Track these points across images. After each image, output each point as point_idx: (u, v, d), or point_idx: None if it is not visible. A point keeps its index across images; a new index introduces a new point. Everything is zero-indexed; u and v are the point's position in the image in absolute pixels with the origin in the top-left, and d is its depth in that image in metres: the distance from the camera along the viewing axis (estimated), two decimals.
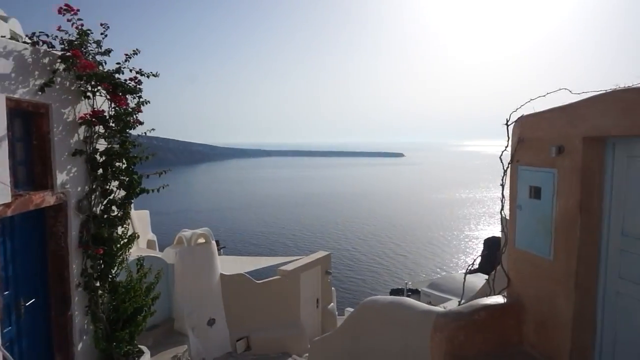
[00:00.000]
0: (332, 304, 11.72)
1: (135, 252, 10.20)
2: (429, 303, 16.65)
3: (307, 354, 10.07)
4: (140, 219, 14.75)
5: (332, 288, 12.02)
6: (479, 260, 55.71)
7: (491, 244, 55.30)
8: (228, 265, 10.61)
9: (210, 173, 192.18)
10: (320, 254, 11.51)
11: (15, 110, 4.11)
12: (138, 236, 5.65)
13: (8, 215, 3.87)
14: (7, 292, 4.17)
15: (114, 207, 5.39)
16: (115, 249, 5.28)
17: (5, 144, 3.79)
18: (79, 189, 4.99)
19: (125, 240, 5.48)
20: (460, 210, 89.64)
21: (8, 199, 3.82)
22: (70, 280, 4.88)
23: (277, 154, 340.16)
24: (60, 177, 4.65)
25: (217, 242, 14.20)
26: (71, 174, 4.83)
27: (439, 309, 4.19)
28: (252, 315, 9.43)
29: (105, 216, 5.30)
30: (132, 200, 5.62)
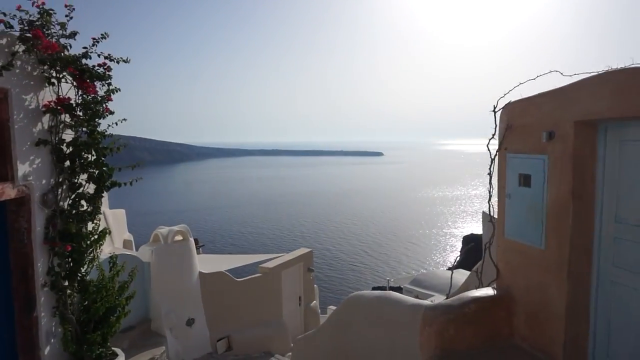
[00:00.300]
0: (314, 301, 11.51)
1: (110, 251, 9.83)
2: None
3: (290, 353, 9.84)
4: (116, 218, 14.26)
5: (315, 285, 11.82)
6: (458, 257, 56.56)
7: (470, 241, 56.17)
8: (207, 263, 10.31)
9: (189, 173, 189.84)
10: (302, 250, 11.29)
11: None
12: (109, 232, 5.34)
13: None
14: None
15: (82, 202, 5.07)
16: (84, 246, 4.96)
17: None
18: (44, 181, 4.66)
19: (96, 236, 5.16)
20: (440, 208, 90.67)
21: None
22: (35, 279, 4.55)
23: (258, 153, 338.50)
24: (22, 169, 4.32)
25: (195, 240, 13.84)
26: (34, 166, 4.50)
27: (427, 302, 4.02)
28: (232, 315, 9.15)
29: (74, 211, 4.98)
30: (103, 195, 5.30)
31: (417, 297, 17.64)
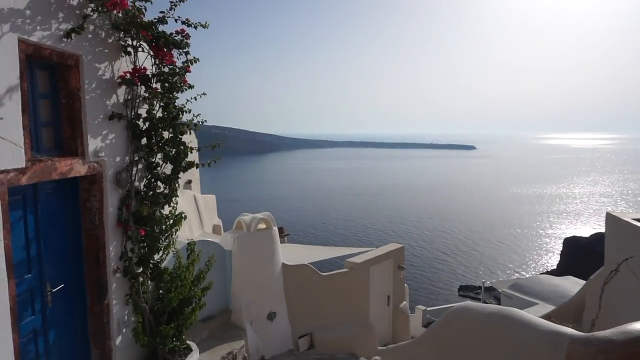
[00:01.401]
0: (404, 302, 10.58)
1: (199, 236, 9.71)
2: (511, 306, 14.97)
3: (375, 357, 9.06)
4: (206, 203, 14.44)
5: (405, 285, 10.87)
6: (557, 261, 51.47)
7: (571, 244, 50.84)
8: (291, 254, 9.81)
9: (277, 163, 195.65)
10: (393, 246, 10.38)
11: (37, 59, 3.42)
12: (185, 217, 4.89)
13: (23, 183, 3.19)
14: (28, 276, 3.53)
15: (159, 183, 4.66)
16: (158, 231, 4.54)
17: (18, 96, 3.08)
18: (118, 159, 4.29)
19: (171, 221, 4.74)
20: (537, 207, 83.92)
21: (22, 164, 3.13)
22: (107, 264, 4.21)
23: (345, 145, 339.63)
24: (94, 144, 3.95)
25: (281, 228, 13.49)
26: (107, 141, 4.12)
27: (570, 331, 2.99)
28: (316, 311, 8.55)
29: (151, 193, 4.59)
30: (180, 176, 4.86)
31: (512, 306, 15.90)
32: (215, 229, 13.52)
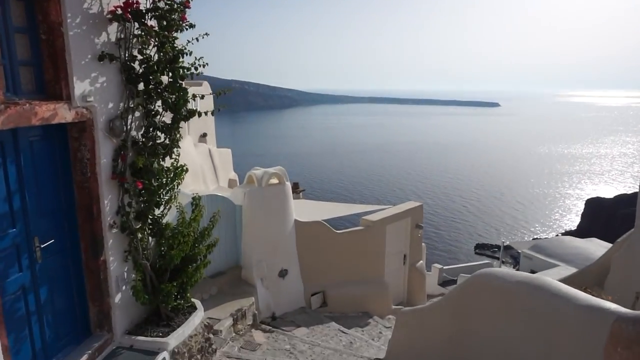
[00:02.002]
0: (421, 261, 10.30)
1: (214, 191, 9.44)
2: (531, 268, 14.57)
3: (389, 316, 8.89)
4: (222, 157, 14.17)
5: (423, 244, 10.56)
6: (577, 222, 50.32)
7: (594, 206, 49.51)
8: (305, 210, 9.53)
9: (297, 118, 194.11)
10: (411, 204, 10.00)
11: None
12: (187, 169, 4.54)
13: None
14: (12, 230, 3.26)
15: (158, 133, 4.29)
16: (157, 184, 4.22)
17: None
18: (111, 105, 3.90)
19: (172, 174, 4.40)
20: (559, 167, 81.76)
21: None
22: (102, 218, 3.92)
23: (366, 101, 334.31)
24: (81, 87, 3.56)
25: (296, 184, 13.20)
26: (97, 85, 3.73)
27: (616, 307, 2.58)
28: (329, 269, 8.33)
29: (150, 143, 4.22)
30: (181, 126, 4.48)
31: (532, 266, 15.52)
32: (231, 183, 13.28)
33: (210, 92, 16.37)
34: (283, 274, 7.63)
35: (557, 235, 38.78)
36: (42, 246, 3.52)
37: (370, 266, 8.90)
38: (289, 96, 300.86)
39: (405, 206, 9.85)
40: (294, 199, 12.63)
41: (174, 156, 4.48)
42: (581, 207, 54.39)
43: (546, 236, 42.39)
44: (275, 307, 7.42)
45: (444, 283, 16.72)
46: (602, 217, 47.15)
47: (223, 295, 6.76)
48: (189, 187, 7.40)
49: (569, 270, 14.26)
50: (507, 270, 4.16)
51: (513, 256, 40.55)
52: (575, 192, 65.43)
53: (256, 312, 6.77)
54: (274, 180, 7.64)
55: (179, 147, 4.57)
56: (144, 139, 4.22)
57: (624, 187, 64.27)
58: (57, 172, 3.71)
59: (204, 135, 14.96)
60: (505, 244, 24.40)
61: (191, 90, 13.60)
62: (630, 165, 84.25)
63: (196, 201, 4.90)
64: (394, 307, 9.18)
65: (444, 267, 17.25)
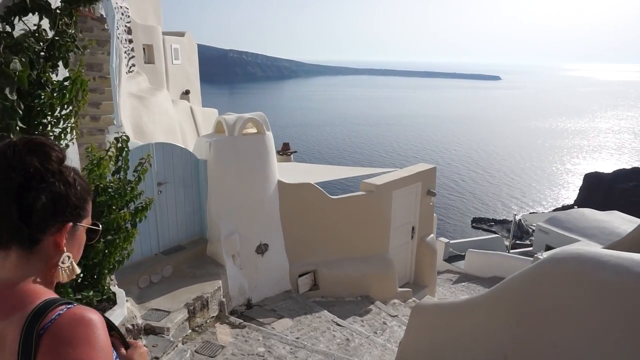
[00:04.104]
0: (431, 235, 8.64)
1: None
2: (547, 243, 12.98)
3: (394, 301, 7.30)
4: (206, 117, 12.42)
5: (434, 215, 8.88)
6: (575, 196, 49.31)
7: (592, 180, 48.45)
8: (295, 175, 7.83)
9: (296, 89, 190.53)
10: (422, 166, 8.26)
11: None
12: (87, 85, 2.80)
13: None
14: None
15: None
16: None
17: None
18: None
19: (57, 89, 2.66)
20: (559, 141, 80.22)
21: None
22: None
23: (366, 73, 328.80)
24: None
25: (286, 144, 11.44)
26: None
27: None
28: (321, 243, 6.67)
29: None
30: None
31: (548, 241, 13.98)
32: None
33: (195, 44, 13.95)
34: (262, 249, 5.97)
35: (555, 210, 37.60)
36: None
37: (372, 240, 7.24)
38: (287, 67, 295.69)
39: (416, 168, 8.11)
40: (283, 161, 10.93)
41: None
42: (579, 181, 53.59)
43: (543, 210, 41.19)
44: (251, 291, 5.79)
45: (449, 259, 15.21)
46: (600, 191, 46.44)
47: (180, 277, 5.11)
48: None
49: (591, 247, 12.75)
50: (597, 250, 2.53)
51: (508, 230, 39.68)
52: (574, 167, 64.43)
53: (223, 299, 5.13)
54: (251, 129, 5.90)
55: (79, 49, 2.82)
56: None
57: (622, 162, 63.53)
58: None
59: (187, 92, 13.32)
60: (517, 217, 22.85)
61: (172, 40, 11.36)
62: (628, 140, 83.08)
63: (119, 143, 3.21)
64: (399, 289, 7.58)
65: (450, 242, 15.69)
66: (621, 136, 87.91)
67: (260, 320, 5.35)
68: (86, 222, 1.02)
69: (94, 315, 0.89)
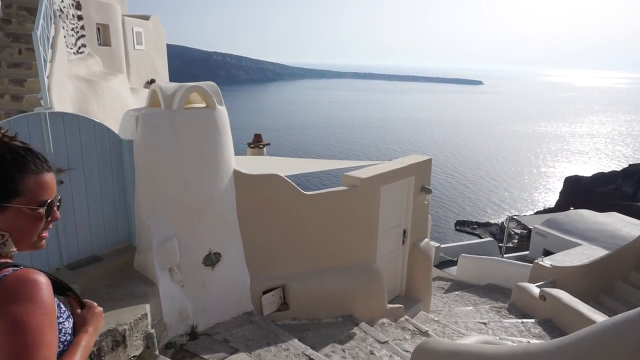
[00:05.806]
0: (426, 239, 7.32)
1: None
2: (544, 247, 11.84)
3: (383, 321, 5.95)
4: None
5: (429, 215, 7.56)
6: (556, 200, 49.74)
7: (572, 183, 49.13)
8: (264, 168, 6.44)
9: (281, 93, 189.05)
10: (415, 158, 6.94)
11: None
12: None
13: None
14: None
15: None
16: None
17: None
18: None
19: None
20: (539, 145, 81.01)
21: None
22: None
23: (350, 76, 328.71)
24: None
25: (258, 135, 10.00)
26: None
27: None
28: (293, 251, 5.29)
29: None
30: None
31: (545, 244, 12.88)
32: None
33: (162, 30, 12.37)
34: (213, 260, 4.55)
35: (536, 213, 37.19)
36: None
37: (355, 246, 5.88)
38: (272, 69, 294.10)
39: (408, 160, 6.78)
40: (254, 154, 9.52)
41: None
42: (559, 185, 54.24)
43: (525, 214, 40.86)
44: (197, 316, 4.37)
45: (440, 264, 13.96)
46: (580, 194, 47.22)
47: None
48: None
49: (593, 251, 11.59)
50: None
51: (492, 233, 39.41)
52: (554, 171, 65.16)
53: (152, 330, 3.70)
54: (197, 103, 4.49)
55: None
56: None
57: (602, 165, 64.69)
58: None
59: (152, 82, 11.93)
60: (511, 217, 21.74)
61: (134, 23, 9.89)
62: (606, 144, 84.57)
63: None
64: (389, 306, 6.22)
65: (441, 246, 14.45)
66: (599, 140, 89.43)
67: (206, 357, 3.94)
68: (22, 202, 1.03)
69: (39, 277, 1.00)
